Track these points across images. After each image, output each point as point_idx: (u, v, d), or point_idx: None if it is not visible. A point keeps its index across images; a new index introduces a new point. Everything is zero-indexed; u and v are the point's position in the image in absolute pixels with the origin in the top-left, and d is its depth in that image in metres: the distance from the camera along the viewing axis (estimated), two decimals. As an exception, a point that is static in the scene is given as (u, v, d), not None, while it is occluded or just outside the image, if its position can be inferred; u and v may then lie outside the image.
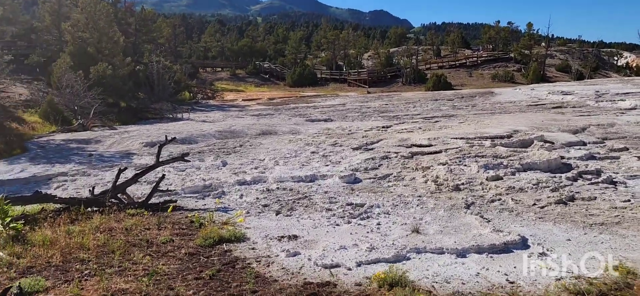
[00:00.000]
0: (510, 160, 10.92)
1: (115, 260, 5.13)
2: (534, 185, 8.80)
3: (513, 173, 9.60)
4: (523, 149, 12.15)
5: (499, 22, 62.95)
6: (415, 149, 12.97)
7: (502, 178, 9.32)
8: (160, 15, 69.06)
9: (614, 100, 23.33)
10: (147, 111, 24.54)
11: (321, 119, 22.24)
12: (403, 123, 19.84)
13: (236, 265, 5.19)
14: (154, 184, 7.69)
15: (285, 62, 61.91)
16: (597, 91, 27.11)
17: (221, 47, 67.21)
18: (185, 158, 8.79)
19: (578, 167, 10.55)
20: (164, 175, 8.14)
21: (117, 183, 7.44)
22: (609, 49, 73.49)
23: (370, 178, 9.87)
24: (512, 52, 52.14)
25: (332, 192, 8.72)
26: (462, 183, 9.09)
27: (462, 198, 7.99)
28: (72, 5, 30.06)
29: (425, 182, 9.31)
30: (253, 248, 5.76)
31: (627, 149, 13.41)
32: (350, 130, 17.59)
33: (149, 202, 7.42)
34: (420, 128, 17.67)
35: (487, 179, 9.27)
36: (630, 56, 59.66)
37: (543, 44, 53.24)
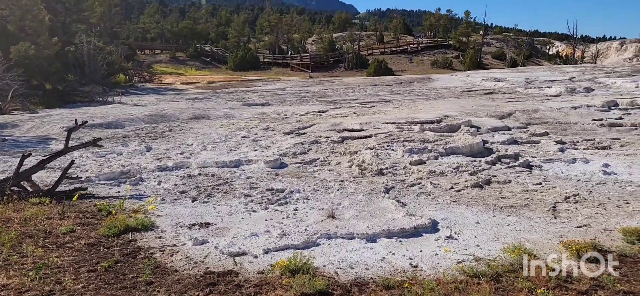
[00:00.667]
0: (436, 144, 11.12)
1: (4, 253, 4.78)
2: (454, 169, 8.98)
3: (436, 158, 9.77)
4: (450, 134, 12.41)
5: (439, 9, 64.35)
6: (346, 134, 12.99)
7: (425, 163, 9.46)
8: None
9: (541, 87, 24.31)
10: (76, 94, 23.38)
11: (258, 103, 21.95)
12: (340, 108, 19.88)
13: (137, 255, 4.96)
14: (62, 170, 7.26)
15: (228, 45, 60.81)
16: (527, 78, 28.19)
17: (161, 29, 65.07)
18: (98, 143, 8.36)
19: (499, 151, 10.88)
20: (73, 161, 7.70)
21: (21, 170, 6.97)
22: (542, 39, 76.68)
23: (296, 163, 9.77)
24: (451, 39, 53.42)
25: (254, 177, 8.56)
26: (386, 168, 9.15)
27: (383, 183, 8.04)
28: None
29: (350, 166, 9.32)
30: (160, 237, 5.54)
31: (548, 134, 13.99)
32: (285, 115, 17.43)
33: (56, 190, 7.00)
34: (355, 113, 17.75)
35: (410, 163, 9.38)
36: (561, 45, 62.49)
37: (481, 32, 54.85)
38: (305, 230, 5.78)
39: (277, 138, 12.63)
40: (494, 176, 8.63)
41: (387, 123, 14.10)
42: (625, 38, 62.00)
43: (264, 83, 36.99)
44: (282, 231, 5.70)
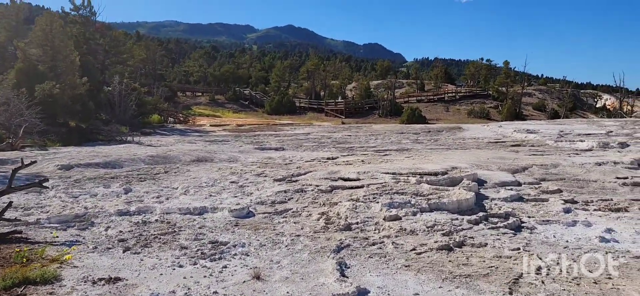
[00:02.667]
0: (425, 198, 10.33)
1: None
2: (428, 227, 8.19)
3: (415, 214, 8.99)
4: (446, 188, 11.57)
5: (482, 59, 63.30)
6: (339, 182, 12.40)
7: (400, 219, 8.70)
8: (132, 36, 68.70)
9: (573, 141, 22.94)
10: (99, 133, 23.87)
11: (272, 148, 21.66)
12: (353, 155, 19.30)
13: (11, 312, 4.50)
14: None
15: (268, 89, 61.77)
16: (561, 131, 26.77)
17: (204, 72, 66.95)
18: (45, 184, 8.11)
19: (491, 209, 9.99)
20: (11, 202, 7.44)
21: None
22: (590, 91, 73.94)
23: (266, 213, 9.23)
24: (490, 89, 52.13)
25: (209, 227, 8.06)
26: (357, 223, 8.47)
27: (341, 240, 7.36)
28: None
29: (319, 219, 8.68)
30: (51, 293, 5.08)
31: (560, 191, 12.88)
32: (290, 160, 17.01)
33: (-10, 232, 6.72)
34: (363, 161, 17.12)
35: (384, 219, 8.66)
36: (609, 98, 59.84)
37: (522, 82, 53.32)
38: (215, 292, 5.19)
39: (265, 184, 12.15)
40: (471, 238, 7.78)
41: (387, 173, 13.40)
42: (679, 92, 58.76)
43: (293, 127, 36.92)
44: (187, 292, 5.13)
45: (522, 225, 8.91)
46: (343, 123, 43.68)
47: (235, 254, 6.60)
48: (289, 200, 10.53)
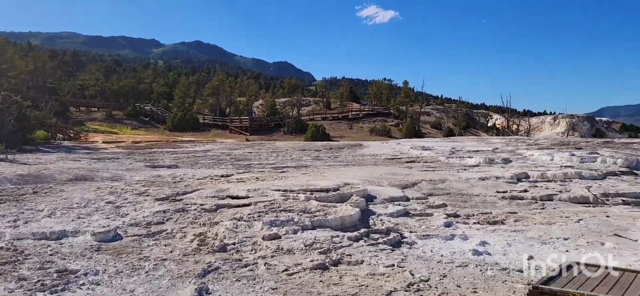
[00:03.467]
0: (312, 215, 10.11)
1: None
2: (307, 245, 7.92)
3: (296, 232, 8.69)
4: (334, 204, 11.43)
5: (385, 79, 65.51)
6: (226, 201, 11.86)
7: (280, 237, 8.36)
8: (22, 46, 63.71)
9: (463, 157, 24.04)
10: (-35, 150, 21.37)
11: (165, 165, 20.59)
12: (249, 172, 18.79)
13: None
14: None
15: (171, 106, 59.51)
16: (453, 148, 28.04)
17: (101, 87, 63.20)
18: None
19: (375, 224, 9.97)
20: None
21: None
22: (483, 110, 78.98)
23: (135, 236, 8.48)
24: (391, 107, 53.98)
25: (62, 253, 7.22)
26: (234, 243, 8.01)
27: (210, 263, 6.86)
28: None
29: (192, 241, 8.10)
30: None
31: (445, 206, 13.27)
32: (180, 178, 16.18)
33: None
34: (257, 178, 16.69)
35: (263, 238, 8.27)
36: (499, 118, 64.26)
37: (419, 101, 55.79)
38: (42, 329, 4.49)
39: (145, 204, 11.31)
40: (349, 255, 7.60)
41: (278, 190, 13.05)
42: (557, 113, 64.56)
43: (194, 145, 35.63)
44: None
45: (402, 240, 8.92)
46: (247, 140, 43.00)
47: (84, 284, 5.88)
48: (167, 220, 9.82)
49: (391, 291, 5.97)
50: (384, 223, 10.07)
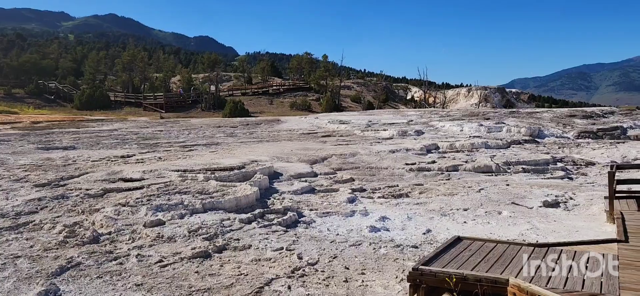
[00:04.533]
0: (209, 196, 9.43)
1: None
2: (191, 231, 7.26)
3: (183, 216, 7.99)
4: (234, 183, 10.78)
5: (307, 53, 64.80)
6: (118, 184, 10.86)
7: (164, 224, 7.63)
8: None
9: (378, 130, 24.12)
10: None
11: (61, 147, 18.94)
12: (153, 152, 17.64)
13: None
14: None
15: (80, 83, 55.65)
16: (370, 121, 28.11)
17: (-2, 62, 57.95)
18: None
19: (273, 204, 9.47)
20: None
21: None
22: (403, 84, 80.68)
23: (-4, 229, 7.41)
24: (311, 82, 53.64)
25: None
26: (109, 233, 7.19)
27: (71, 258, 6.05)
28: None
29: (60, 232, 7.18)
30: None
31: (353, 180, 13.03)
32: (73, 161, 14.83)
33: None
34: (160, 158, 15.66)
35: (145, 225, 7.50)
36: (418, 91, 65.81)
37: (339, 76, 55.83)
38: None
39: (20, 192, 10.09)
40: (237, 240, 7.04)
41: (178, 170, 12.18)
42: (472, 85, 67.11)
43: (101, 124, 33.38)
44: None
45: (300, 219, 8.48)
46: (162, 117, 41.04)
47: None
48: (41, 209, 8.76)
49: (272, 279, 5.48)
50: (284, 202, 9.58)
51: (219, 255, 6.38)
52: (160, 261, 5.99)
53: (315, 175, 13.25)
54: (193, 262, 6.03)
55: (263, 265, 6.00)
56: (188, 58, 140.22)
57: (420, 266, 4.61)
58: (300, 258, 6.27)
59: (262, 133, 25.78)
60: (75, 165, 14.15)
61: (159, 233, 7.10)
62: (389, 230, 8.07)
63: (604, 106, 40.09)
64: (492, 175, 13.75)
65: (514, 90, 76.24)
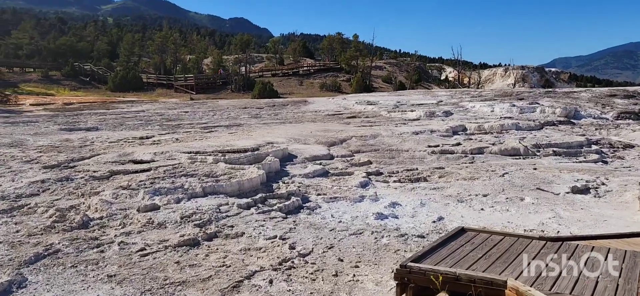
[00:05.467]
0: (214, 179, 9.10)
1: None
2: (186, 216, 6.93)
3: (179, 201, 7.66)
4: (243, 166, 10.41)
5: (339, 33, 63.83)
6: (126, 167, 10.66)
7: (158, 208, 7.33)
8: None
9: (405, 111, 23.35)
10: None
11: (84, 128, 19.06)
12: (173, 133, 17.52)
13: None
14: None
15: (115, 65, 56.47)
16: (398, 101, 27.32)
17: (36, 46, 59.39)
18: None
19: (279, 188, 9.05)
20: None
21: None
22: (437, 64, 78.91)
23: (-9, 212, 7.26)
24: (341, 62, 52.86)
25: None
26: (101, 218, 6.93)
27: (50, 244, 5.79)
28: None
29: (50, 216, 6.95)
30: None
31: (370, 163, 12.47)
32: (91, 142, 14.81)
33: None
34: (177, 139, 15.50)
35: (138, 210, 7.21)
36: (452, 71, 64.12)
37: (370, 56, 54.84)
38: None
39: (27, 173, 10.01)
40: (231, 226, 6.66)
41: (189, 152, 11.90)
42: (509, 65, 64.86)
43: (131, 105, 33.70)
44: None
45: (304, 205, 8.03)
46: (191, 99, 41.19)
47: None
48: (43, 191, 8.60)
49: (255, 272, 5.07)
50: (289, 186, 9.15)
51: (208, 243, 6.01)
52: (143, 249, 5.66)
53: (332, 157, 12.76)
54: (177, 251, 5.67)
55: (251, 255, 5.60)
56: (222, 40, 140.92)
57: (410, 263, 4.09)
58: (292, 248, 5.83)
59: (287, 114, 25.37)
60: (91, 146, 14.09)
61: (151, 218, 6.79)
62: (397, 218, 7.54)
63: (650, 85, 37.90)
64: (520, 158, 12.95)
65: (553, 69, 73.42)
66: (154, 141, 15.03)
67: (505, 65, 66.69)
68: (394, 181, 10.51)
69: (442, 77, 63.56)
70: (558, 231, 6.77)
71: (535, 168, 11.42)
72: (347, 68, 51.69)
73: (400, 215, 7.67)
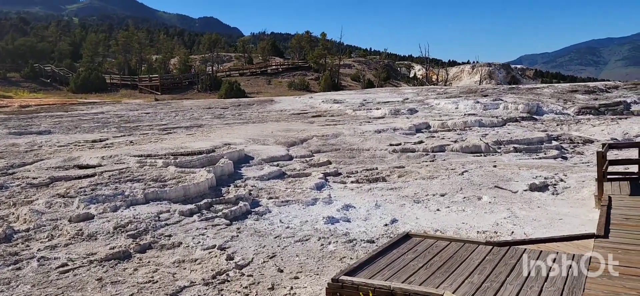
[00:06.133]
0: (162, 183, 8.62)
1: None
2: (121, 226, 6.45)
3: (116, 209, 7.16)
4: (193, 170, 9.93)
5: (307, 31, 63.36)
6: (70, 172, 10.08)
7: (92, 218, 6.82)
8: None
9: (371, 109, 23.14)
10: None
11: (35, 132, 18.20)
12: (129, 135, 16.85)
13: None
14: None
15: (78, 65, 54.80)
16: (364, 99, 27.10)
17: (-7, 46, 57.19)
18: None
19: (229, 192, 8.62)
20: None
21: None
22: (406, 62, 79.27)
23: None
24: (310, 61, 52.50)
25: None
26: (28, 230, 6.40)
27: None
28: None
29: (-29, 230, 6.37)
30: None
31: (330, 163, 12.13)
32: (38, 146, 14.10)
33: None
34: (131, 142, 14.86)
35: (70, 220, 6.69)
36: (420, 69, 64.41)
37: (338, 54, 54.60)
38: None
39: (-40, 182, 9.30)
40: (168, 236, 6.21)
41: (140, 155, 11.37)
42: (476, 62, 65.50)
43: (91, 107, 32.62)
44: None
45: (253, 210, 7.62)
46: (156, 99, 40.21)
47: None
48: (-29, 202, 7.98)
49: (183, 288, 4.66)
50: (239, 190, 8.75)
51: (140, 256, 5.57)
52: (64, 265, 5.18)
53: (290, 158, 12.38)
54: (103, 266, 5.21)
55: (184, 268, 5.18)
56: (192, 39, 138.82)
57: (342, 277, 3.75)
58: (230, 259, 5.43)
59: (252, 114, 24.86)
60: (38, 151, 13.38)
61: (81, 229, 6.29)
62: (349, 221, 7.21)
63: (609, 81, 38.69)
64: (481, 156, 12.80)
65: (519, 66, 74.57)
66: (107, 144, 14.38)
67: (473, 62, 67.36)
68: (352, 181, 10.20)
69: (411, 75, 63.81)
70: (512, 232, 6.55)
71: (495, 166, 11.27)
72: (315, 67, 51.34)
73: (352, 218, 7.35)
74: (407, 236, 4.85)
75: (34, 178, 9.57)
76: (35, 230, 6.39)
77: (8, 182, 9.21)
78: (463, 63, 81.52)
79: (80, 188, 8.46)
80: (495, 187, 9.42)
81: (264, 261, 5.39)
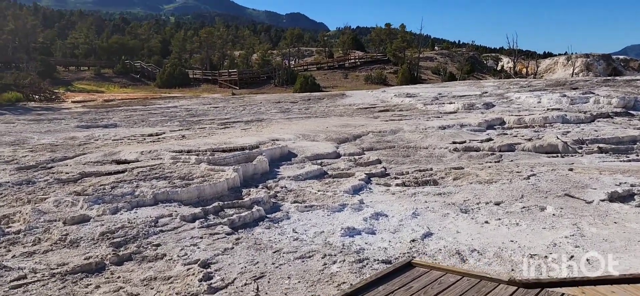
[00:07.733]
0: (183, 181, 8.04)
1: None
2: (110, 232, 5.85)
3: (116, 211, 6.60)
4: (223, 168, 9.26)
5: (387, 24, 61.73)
6: (105, 167, 9.83)
7: (88, 220, 6.28)
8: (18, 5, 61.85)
9: (443, 103, 21.55)
10: None
11: (102, 125, 18.68)
12: (187, 129, 16.78)
13: None
14: None
15: (166, 62, 57.31)
16: (439, 93, 25.43)
17: (91, 45, 61.26)
18: None
19: (249, 194, 7.82)
20: None
21: None
22: (494, 54, 75.17)
23: None
24: (388, 53, 50.93)
25: None
26: (18, 231, 5.98)
27: None
28: None
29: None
30: None
31: (379, 162, 11.01)
32: (95, 140, 14.27)
33: None
34: (183, 136, 14.74)
35: (65, 222, 6.21)
36: (509, 61, 60.55)
37: (417, 46, 52.48)
38: None
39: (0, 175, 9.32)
40: (156, 245, 5.51)
41: (178, 151, 10.93)
42: (572, 53, 60.36)
43: (169, 101, 33.62)
44: None
45: (267, 216, 6.76)
46: (233, 94, 40.79)
47: None
48: (-5, 196, 7.83)
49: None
50: (267, 191, 7.92)
51: (114, 268, 4.90)
52: (20, 278, 4.61)
53: (338, 156, 11.41)
54: (64, 281, 4.58)
55: (151, 289, 4.42)
56: (278, 35, 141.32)
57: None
58: (209, 278, 4.60)
59: (318, 109, 24.10)
60: (91, 144, 13.47)
61: (67, 234, 5.76)
62: (373, 233, 6.14)
63: None
64: (557, 157, 11.06)
65: (622, 57, 67.84)
66: (159, 138, 14.24)
67: (570, 54, 62.17)
68: (397, 184, 9.03)
69: (498, 68, 60.11)
70: (571, 256, 5.16)
71: (571, 169, 9.56)
72: (394, 60, 49.72)
73: (378, 230, 6.27)
74: (409, 265, 3.74)
75: (66, 173, 9.37)
76: (26, 232, 5.95)
77: (38, 176, 9.06)
78: (558, 54, 75.72)
79: (101, 185, 8.05)
80: (566, 194, 7.84)
81: (246, 284, 4.50)
